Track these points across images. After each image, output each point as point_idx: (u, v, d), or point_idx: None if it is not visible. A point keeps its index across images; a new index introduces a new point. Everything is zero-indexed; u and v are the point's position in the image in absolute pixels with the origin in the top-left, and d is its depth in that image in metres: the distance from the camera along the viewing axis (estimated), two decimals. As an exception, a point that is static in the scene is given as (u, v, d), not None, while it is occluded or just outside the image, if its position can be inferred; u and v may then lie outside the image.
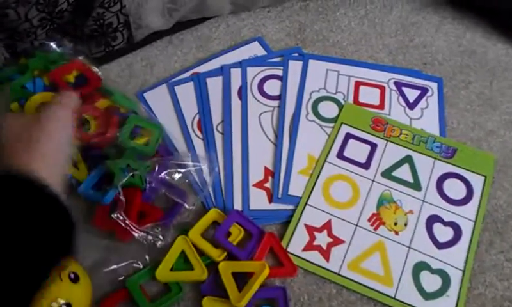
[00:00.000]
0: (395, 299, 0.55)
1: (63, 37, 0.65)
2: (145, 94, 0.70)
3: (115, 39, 0.71)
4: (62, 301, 0.48)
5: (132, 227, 0.54)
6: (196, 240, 0.56)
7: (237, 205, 0.60)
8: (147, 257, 0.57)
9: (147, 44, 0.76)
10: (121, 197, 0.54)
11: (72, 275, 0.50)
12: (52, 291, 0.48)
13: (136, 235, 0.55)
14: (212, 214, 0.59)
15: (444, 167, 0.64)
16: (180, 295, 0.54)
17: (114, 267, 0.56)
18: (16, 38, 0.63)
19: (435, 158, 0.64)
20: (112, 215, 0.54)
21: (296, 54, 0.74)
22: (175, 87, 0.70)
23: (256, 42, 0.76)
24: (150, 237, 0.56)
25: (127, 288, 0.54)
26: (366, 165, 0.63)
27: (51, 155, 0.43)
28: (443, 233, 0.59)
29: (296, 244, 0.57)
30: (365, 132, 0.66)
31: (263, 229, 0.58)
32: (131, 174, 0.55)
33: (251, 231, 0.58)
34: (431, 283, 0.56)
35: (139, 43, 0.75)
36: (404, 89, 0.71)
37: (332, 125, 0.67)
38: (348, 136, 0.66)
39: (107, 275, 0.55)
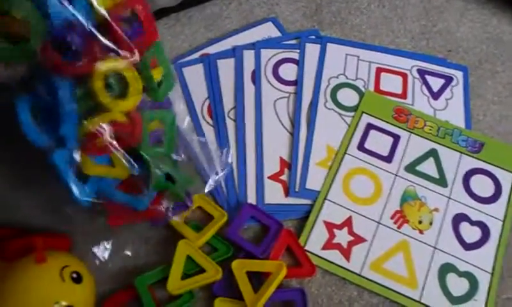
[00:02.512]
0: (420, 302, 0.51)
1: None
2: (151, 75, 0.65)
3: (118, 15, 0.67)
4: (64, 304, 0.44)
5: None
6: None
7: (251, 199, 0.56)
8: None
9: (152, 21, 0.72)
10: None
11: (75, 275, 0.46)
12: (53, 292, 0.45)
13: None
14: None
15: (471, 162, 0.60)
16: (191, 303, 0.50)
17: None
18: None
19: (461, 153, 0.60)
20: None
21: (313, 37, 0.70)
22: (183, 69, 0.66)
23: (270, 22, 0.71)
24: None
25: (135, 288, 0.50)
26: (388, 159, 0.59)
27: None
28: (471, 233, 0.55)
29: (314, 242, 0.54)
30: (387, 122, 0.62)
31: (281, 222, 0.54)
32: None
33: (269, 225, 0.54)
34: (458, 286, 0.52)
35: (143, 21, 0.70)
36: (428, 77, 0.67)
37: (352, 114, 0.63)
38: (369, 126, 0.62)
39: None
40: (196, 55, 0.68)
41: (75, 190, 0.46)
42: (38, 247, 0.46)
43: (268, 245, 0.52)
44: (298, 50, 0.68)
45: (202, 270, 0.51)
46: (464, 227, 0.56)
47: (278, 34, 0.70)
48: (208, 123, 0.62)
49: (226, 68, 0.66)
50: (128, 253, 0.54)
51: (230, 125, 0.62)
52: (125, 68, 0.45)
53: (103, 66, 0.43)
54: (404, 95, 0.65)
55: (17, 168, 0.58)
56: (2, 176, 0.58)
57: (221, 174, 0.57)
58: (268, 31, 0.71)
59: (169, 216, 0.53)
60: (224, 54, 0.67)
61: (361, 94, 0.64)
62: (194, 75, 0.65)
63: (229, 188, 0.57)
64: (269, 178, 0.58)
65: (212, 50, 0.68)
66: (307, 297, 0.50)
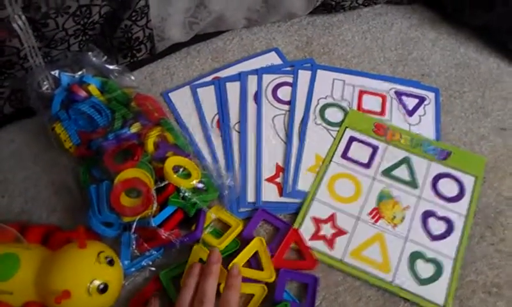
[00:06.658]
0: (392, 284, 0.60)
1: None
2: (170, 94, 0.78)
3: (140, 51, 0.78)
4: (100, 281, 0.52)
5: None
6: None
7: (251, 197, 0.66)
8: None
9: (167, 55, 0.82)
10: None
11: (109, 259, 0.54)
12: (91, 272, 0.52)
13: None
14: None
15: (439, 168, 0.69)
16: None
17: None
18: (52, 46, 0.69)
19: (431, 160, 0.70)
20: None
21: (309, 65, 0.81)
22: (198, 89, 0.78)
23: (274, 52, 0.83)
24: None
25: (160, 281, 0.58)
26: (367, 165, 0.69)
27: None
28: (437, 227, 0.64)
29: (303, 234, 0.63)
30: (368, 135, 0.72)
31: (289, 224, 0.64)
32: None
33: (279, 227, 0.64)
34: (425, 270, 0.61)
35: (160, 54, 0.81)
36: (404, 97, 0.78)
37: (337, 128, 0.73)
38: (352, 139, 0.72)
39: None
40: (208, 79, 0.80)
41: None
42: (80, 235, 0.55)
43: (278, 242, 0.62)
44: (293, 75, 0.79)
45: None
46: (432, 221, 0.65)
47: (280, 61, 0.82)
48: (217, 134, 0.73)
49: (233, 89, 0.78)
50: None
51: (235, 136, 0.72)
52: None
53: None
54: (383, 113, 0.76)
55: (57, 175, 0.69)
56: (46, 181, 0.69)
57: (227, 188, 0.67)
58: (271, 59, 0.82)
59: (182, 242, 0.60)
60: (232, 78, 0.79)
61: (345, 112, 0.75)
62: (207, 95, 0.77)
63: (231, 193, 0.67)
64: (266, 180, 0.68)
65: (222, 74, 0.80)
66: (318, 282, 0.59)
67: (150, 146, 0.64)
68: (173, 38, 0.79)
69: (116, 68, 0.73)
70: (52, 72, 0.69)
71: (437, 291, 0.59)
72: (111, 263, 0.54)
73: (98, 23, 0.70)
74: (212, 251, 0.58)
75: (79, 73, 0.71)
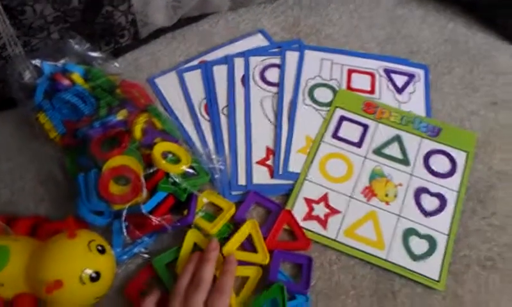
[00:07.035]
0: (386, 260, 0.60)
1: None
2: (156, 80, 0.76)
3: (123, 36, 0.77)
4: (92, 270, 0.52)
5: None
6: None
7: (241, 180, 0.66)
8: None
9: (151, 40, 0.81)
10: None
11: (100, 247, 0.54)
12: (83, 261, 0.52)
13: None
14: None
15: (430, 145, 0.69)
16: None
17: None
18: (31, 34, 0.67)
19: (422, 137, 0.70)
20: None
21: (296, 45, 0.80)
22: (184, 74, 0.76)
23: (260, 34, 0.82)
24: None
25: (153, 268, 0.58)
26: (359, 144, 0.69)
27: None
28: (430, 203, 0.64)
29: (296, 215, 0.63)
30: (358, 114, 0.72)
31: (281, 205, 0.63)
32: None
33: (271, 209, 0.63)
34: (419, 246, 0.61)
35: (144, 40, 0.80)
36: (393, 75, 0.77)
37: (327, 108, 0.73)
38: (342, 118, 0.71)
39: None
40: (195, 62, 0.78)
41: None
42: (69, 225, 0.54)
43: (271, 224, 0.61)
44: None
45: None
46: (425, 198, 0.65)
47: (266, 43, 0.81)
48: (205, 118, 0.72)
49: (220, 72, 0.77)
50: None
51: (224, 120, 0.71)
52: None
53: None
54: (372, 91, 0.75)
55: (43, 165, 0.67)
56: (32, 172, 0.67)
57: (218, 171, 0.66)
58: (258, 41, 0.81)
59: (174, 227, 0.60)
60: (218, 61, 0.78)
61: (334, 92, 0.74)
62: (194, 79, 0.76)
63: (223, 176, 0.66)
64: (257, 163, 0.67)
65: (209, 58, 0.79)
66: (313, 263, 0.59)
67: (137, 132, 0.63)
68: (157, 22, 0.78)
69: (100, 55, 0.71)
70: (34, 61, 0.67)
71: (431, 266, 0.60)
72: (102, 251, 0.54)
73: (78, 9, 0.69)
74: (211, 239, 0.58)
75: (62, 61, 0.69)
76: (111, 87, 0.68)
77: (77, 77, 0.67)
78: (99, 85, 0.67)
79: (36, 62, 0.68)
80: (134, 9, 0.73)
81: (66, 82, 0.66)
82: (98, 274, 0.52)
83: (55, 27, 0.68)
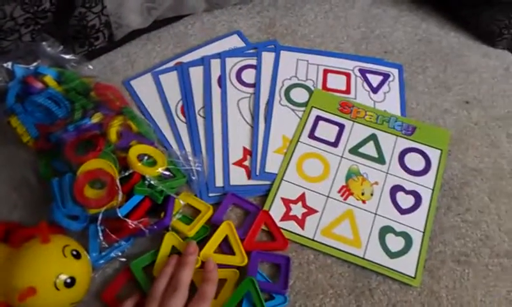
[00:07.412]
0: (363, 258, 0.61)
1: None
2: (132, 82, 0.75)
3: (97, 39, 0.76)
4: (66, 276, 0.51)
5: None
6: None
7: (219, 182, 0.65)
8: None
9: (126, 42, 0.80)
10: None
11: (75, 252, 0.53)
12: (58, 266, 0.51)
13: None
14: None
15: (405, 143, 0.70)
16: None
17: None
18: (1, 37, 0.66)
19: (397, 136, 0.71)
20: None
21: (272, 46, 0.80)
22: (160, 76, 0.76)
23: (236, 35, 0.82)
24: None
25: (130, 271, 0.57)
26: (335, 144, 0.70)
27: None
28: (405, 201, 0.65)
29: (273, 215, 0.63)
30: (334, 114, 0.72)
31: (259, 206, 0.63)
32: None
33: (249, 210, 0.63)
34: (395, 243, 0.62)
35: (119, 42, 0.79)
36: (368, 75, 0.78)
37: (303, 109, 0.73)
38: (318, 118, 0.72)
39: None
40: (171, 64, 0.78)
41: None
42: (43, 230, 0.53)
43: (249, 225, 0.61)
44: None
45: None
46: (400, 196, 0.66)
47: (242, 44, 0.81)
48: (181, 120, 0.71)
49: (196, 74, 0.76)
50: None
51: (200, 122, 0.71)
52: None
53: None
54: (348, 91, 0.76)
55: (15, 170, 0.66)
56: (5, 177, 0.66)
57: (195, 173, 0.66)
58: (234, 42, 0.81)
59: (151, 230, 0.59)
60: (194, 63, 0.78)
61: (310, 92, 0.75)
62: (169, 81, 0.75)
63: (200, 177, 0.66)
64: (234, 164, 0.67)
65: (185, 59, 0.78)
66: (291, 262, 0.59)
67: (112, 135, 0.62)
68: (132, 24, 0.77)
69: (73, 57, 0.70)
70: (5, 64, 0.66)
71: (407, 263, 0.60)
72: (77, 256, 0.53)
73: (49, 11, 0.68)
74: (189, 243, 0.58)
75: (34, 64, 0.68)
76: (85, 89, 0.67)
77: (49, 79, 0.66)
78: (73, 88, 0.66)
79: (7, 65, 0.66)
80: (108, 11, 0.72)
81: (38, 85, 0.65)
82: (73, 279, 0.51)
83: (26, 29, 0.67)
